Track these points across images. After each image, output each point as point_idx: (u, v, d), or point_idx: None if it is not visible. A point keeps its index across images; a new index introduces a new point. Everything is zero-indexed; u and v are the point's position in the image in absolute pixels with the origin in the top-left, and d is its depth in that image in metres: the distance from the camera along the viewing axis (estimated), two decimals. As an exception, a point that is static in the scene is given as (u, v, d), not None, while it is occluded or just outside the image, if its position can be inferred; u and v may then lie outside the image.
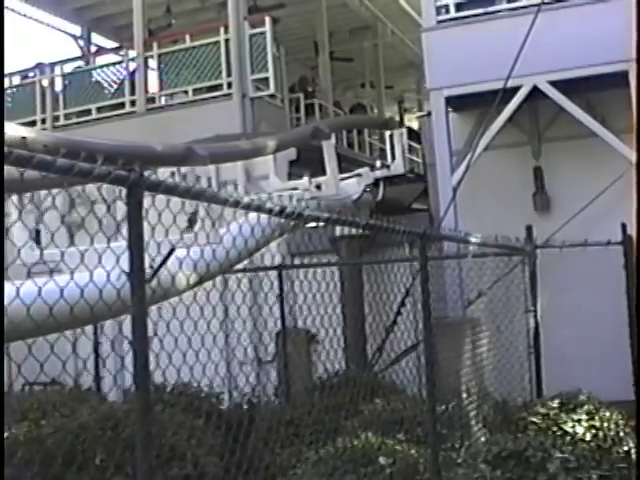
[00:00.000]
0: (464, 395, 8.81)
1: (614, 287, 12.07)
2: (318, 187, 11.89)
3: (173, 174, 6.82)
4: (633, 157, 12.19)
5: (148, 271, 4.34)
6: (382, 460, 7.08)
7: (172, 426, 9.33)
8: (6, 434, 9.44)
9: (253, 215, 6.88)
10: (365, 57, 23.72)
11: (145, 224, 4.37)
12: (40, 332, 5.52)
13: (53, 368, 4.30)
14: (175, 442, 8.97)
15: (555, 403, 9.59)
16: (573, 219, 12.56)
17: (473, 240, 8.77)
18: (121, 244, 4.63)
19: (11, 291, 4.37)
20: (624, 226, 12.29)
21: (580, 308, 12.45)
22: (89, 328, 12.12)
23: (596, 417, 9.22)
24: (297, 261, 14.43)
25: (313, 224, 7.05)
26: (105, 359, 13.40)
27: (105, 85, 18.25)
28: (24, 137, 6.67)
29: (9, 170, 3.47)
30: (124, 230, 4.65)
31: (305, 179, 12.16)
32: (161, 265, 6.23)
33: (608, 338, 12.20)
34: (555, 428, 8.84)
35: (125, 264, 4.44)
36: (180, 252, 6.51)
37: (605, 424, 9.06)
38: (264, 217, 6.67)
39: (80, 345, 6.24)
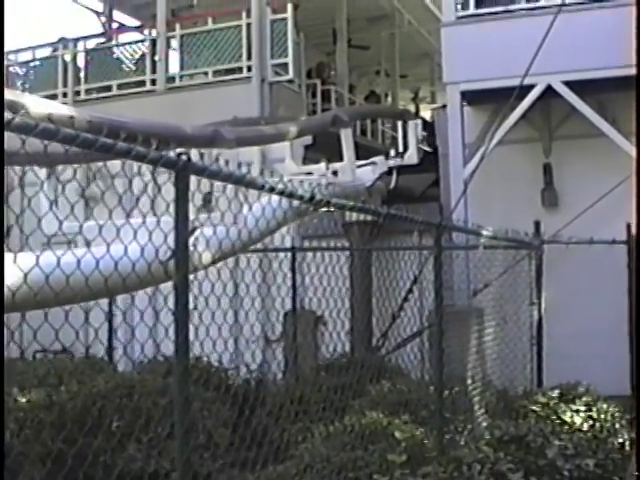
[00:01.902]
0: (468, 381, 9.12)
1: (616, 285, 12.42)
2: (334, 173, 12.18)
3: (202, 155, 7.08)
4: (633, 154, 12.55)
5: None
6: (398, 434, 7.41)
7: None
8: (26, 399, 9.84)
9: (274, 197, 7.15)
10: (381, 46, 23.91)
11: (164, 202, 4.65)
12: (75, 300, 5.81)
13: (65, 337, 4.39)
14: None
15: (555, 393, 9.95)
16: (579, 216, 12.83)
17: (485, 233, 9.08)
18: (147, 220, 4.90)
19: (51, 260, 4.55)
20: (629, 226, 12.61)
21: (582, 303, 12.75)
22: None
23: (594, 409, 9.57)
24: (307, 244, 14.73)
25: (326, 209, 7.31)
26: (116, 330, 13.67)
27: (126, 62, 18.49)
28: (72, 116, 7.00)
29: (35, 143, 3.66)
30: (142, 206, 4.95)
31: (322, 165, 12.43)
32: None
33: (608, 334, 12.52)
34: (554, 417, 9.20)
35: (142, 240, 4.75)
36: (207, 231, 6.86)
37: (602, 416, 9.43)
38: (284, 200, 6.97)
39: (92, 315, 6.43)
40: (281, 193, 5.12)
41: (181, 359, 4.38)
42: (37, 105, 6.90)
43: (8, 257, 4.78)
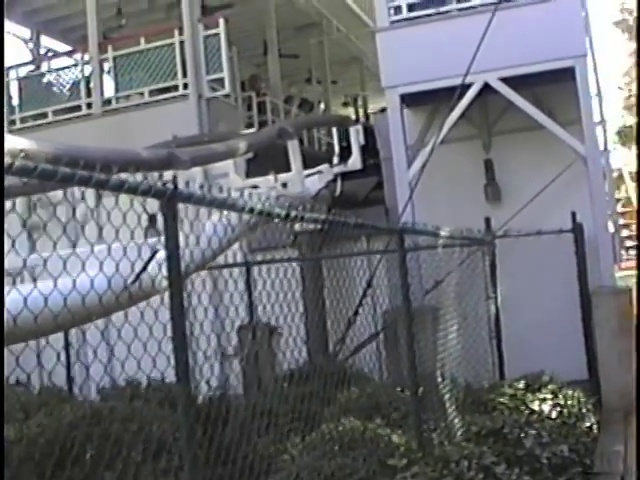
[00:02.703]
0: (435, 379, 9.27)
1: (567, 272, 12.67)
2: (284, 185, 12.29)
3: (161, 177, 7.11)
4: (579, 148, 12.82)
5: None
6: (396, 439, 7.52)
7: (156, 420, 9.71)
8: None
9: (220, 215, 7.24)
10: (311, 53, 24.09)
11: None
12: (44, 332, 5.82)
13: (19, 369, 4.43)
14: (161, 435, 9.33)
15: (521, 384, 10.17)
16: (525, 209, 13.07)
17: (443, 233, 9.25)
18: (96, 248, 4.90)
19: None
20: (574, 214, 12.90)
21: (536, 293, 12.99)
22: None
23: (560, 396, 9.82)
24: (257, 256, 14.78)
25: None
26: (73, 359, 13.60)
27: (60, 88, 18.40)
28: (22, 150, 7.00)
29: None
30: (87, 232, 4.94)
31: (270, 177, 12.54)
32: (144, 267, 6.66)
33: (562, 321, 12.76)
34: (523, 407, 9.41)
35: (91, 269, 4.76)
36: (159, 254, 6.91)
37: (569, 402, 9.66)
38: (234, 216, 7.07)
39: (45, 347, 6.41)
40: (260, 213, 5.21)
41: (183, 387, 4.45)
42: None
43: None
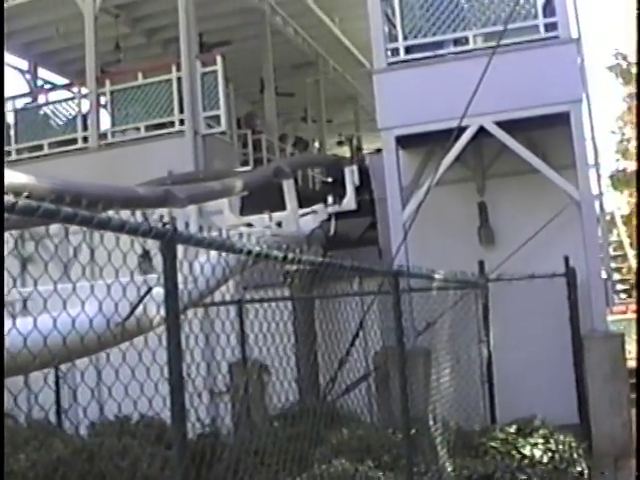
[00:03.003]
0: (427, 422, 9.24)
1: (559, 316, 12.67)
2: (279, 224, 12.32)
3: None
4: (573, 192, 12.88)
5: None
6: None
7: (146, 458, 9.67)
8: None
9: (213, 254, 7.25)
10: (306, 92, 24.24)
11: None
12: (36, 366, 5.79)
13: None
14: (150, 473, 9.29)
15: (512, 428, 10.15)
16: (518, 252, 13.09)
17: (437, 276, 9.27)
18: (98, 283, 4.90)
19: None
20: (567, 258, 12.92)
21: (528, 337, 13.00)
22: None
23: (551, 440, 9.79)
24: (248, 294, 14.76)
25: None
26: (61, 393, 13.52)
27: (57, 121, 18.47)
28: (30, 184, 7.02)
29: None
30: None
31: (265, 215, 12.57)
32: (138, 304, 6.65)
33: (554, 365, 12.77)
34: (514, 452, 9.39)
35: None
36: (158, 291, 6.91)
37: (560, 447, 9.64)
38: (224, 255, 7.09)
39: (33, 379, 6.39)
40: (258, 255, 5.22)
41: (178, 427, 4.43)
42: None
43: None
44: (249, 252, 5.14)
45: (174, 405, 4.45)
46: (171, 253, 4.41)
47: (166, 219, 4.78)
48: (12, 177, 7.25)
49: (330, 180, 15.71)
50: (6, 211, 3.49)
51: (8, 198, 3.50)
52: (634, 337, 16.91)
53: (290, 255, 5.63)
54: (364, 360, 13.11)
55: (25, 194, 3.60)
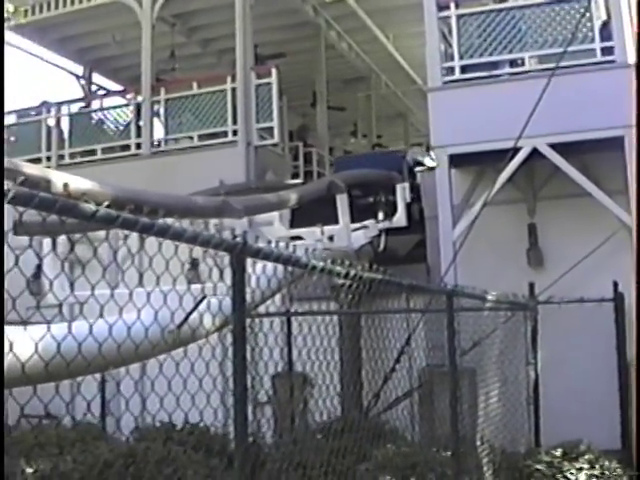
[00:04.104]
0: (476, 442, 9.25)
1: (606, 341, 12.65)
2: (330, 238, 12.38)
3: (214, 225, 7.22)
4: (625, 217, 12.83)
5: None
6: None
7: (191, 465, 9.75)
8: (32, 469, 9.83)
9: (269, 265, 7.29)
10: (357, 106, 24.35)
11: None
12: (88, 370, 5.86)
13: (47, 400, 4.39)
14: (196, 480, 9.37)
15: (558, 452, 10.12)
16: (567, 275, 13.05)
17: (489, 297, 9.30)
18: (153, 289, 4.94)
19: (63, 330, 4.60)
20: (616, 284, 12.89)
21: (574, 360, 12.93)
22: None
23: (596, 466, 9.75)
24: (297, 306, 14.82)
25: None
26: (110, 400, 13.62)
27: (111, 127, 18.69)
28: (83, 193, 7.13)
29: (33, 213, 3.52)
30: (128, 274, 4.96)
31: (316, 229, 12.63)
32: (191, 312, 6.74)
33: (599, 390, 12.71)
34: (559, 475, 9.37)
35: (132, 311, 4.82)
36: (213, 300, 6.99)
37: (606, 472, 9.60)
38: (280, 267, 7.15)
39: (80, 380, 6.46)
40: (322, 270, 5.29)
41: (241, 438, 4.51)
42: (61, 180, 7.05)
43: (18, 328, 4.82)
44: (313, 267, 5.22)
45: (237, 416, 4.52)
46: (241, 266, 4.49)
47: (218, 229, 4.89)
48: (77, 182, 7.40)
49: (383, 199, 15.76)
50: (86, 219, 3.58)
51: (89, 205, 3.58)
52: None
53: (352, 272, 5.69)
54: (409, 377, 13.11)
55: (105, 203, 3.65)
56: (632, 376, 12.34)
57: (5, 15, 16.03)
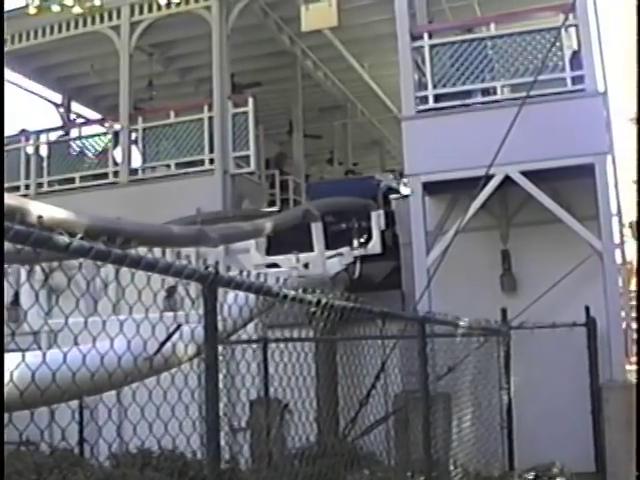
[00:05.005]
0: (450, 466, 9.36)
1: (579, 365, 12.81)
2: (305, 265, 12.51)
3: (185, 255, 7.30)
4: (596, 243, 13.02)
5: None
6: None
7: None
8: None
9: (241, 294, 7.40)
10: (334, 134, 24.53)
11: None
12: (63, 398, 5.94)
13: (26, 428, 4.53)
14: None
15: (531, 475, 10.25)
16: (539, 300, 13.22)
17: (462, 324, 9.45)
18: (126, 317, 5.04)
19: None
20: (587, 309, 13.08)
21: (547, 384, 13.06)
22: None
23: (569, 489, 9.90)
24: (271, 333, 14.90)
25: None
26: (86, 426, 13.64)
27: (89, 155, 18.80)
28: (39, 216, 7.23)
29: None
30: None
31: (291, 256, 12.76)
32: (166, 340, 6.86)
33: (572, 413, 12.85)
34: (532, 499, 9.51)
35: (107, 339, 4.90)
36: (186, 328, 7.11)
37: (577, 496, 9.74)
38: (252, 296, 7.27)
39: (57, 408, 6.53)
40: (293, 299, 5.43)
41: (213, 465, 4.61)
42: (37, 211, 7.16)
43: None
44: (285, 296, 5.36)
45: (210, 442, 4.62)
46: (212, 295, 4.61)
47: (194, 258, 5.01)
48: (53, 212, 7.52)
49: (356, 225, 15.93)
50: (60, 250, 3.70)
51: (62, 238, 3.70)
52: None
53: (323, 300, 5.84)
54: (384, 403, 13.21)
55: (79, 235, 3.76)
56: (603, 399, 12.54)
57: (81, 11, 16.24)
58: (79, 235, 3.76)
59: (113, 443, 9.72)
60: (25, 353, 4.59)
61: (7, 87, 20.85)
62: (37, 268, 9.69)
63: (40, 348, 5.06)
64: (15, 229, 3.34)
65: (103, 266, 4.53)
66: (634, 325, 24.27)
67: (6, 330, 4.55)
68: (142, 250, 4.41)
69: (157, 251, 4.70)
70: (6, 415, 4.38)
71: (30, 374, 4.41)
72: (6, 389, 4.47)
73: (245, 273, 5.17)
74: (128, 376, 6.06)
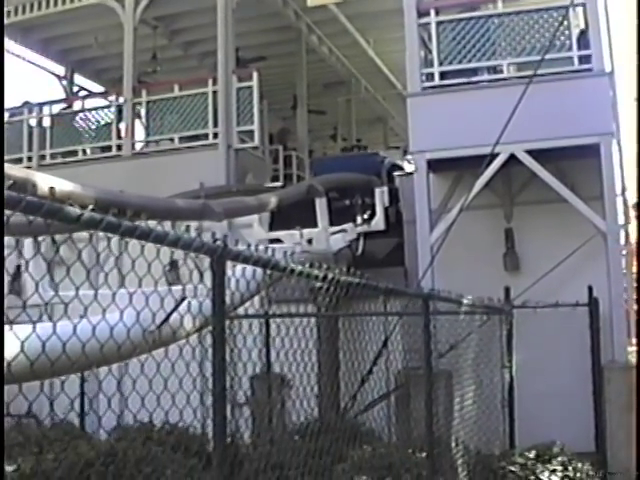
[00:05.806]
0: (451, 443, 9.38)
1: (580, 345, 12.81)
2: (309, 241, 12.48)
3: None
4: (600, 223, 12.99)
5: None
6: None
7: (170, 464, 9.84)
8: (12, 467, 9.90)
9: (248, 268, 7.39)
10: (338, 110, 24.48)
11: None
12: (72, 370, 5.94)
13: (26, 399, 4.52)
14: None
15: (531, 454, 10.27)
16: (542, 279, 13.21)
17: (465, 302, 9.44)
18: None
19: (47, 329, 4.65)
20: (590, 288, 13.06)
21: (549, 364, 13.07)
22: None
23: (569, 468, 9.91)
24: (275, 308, 14.89)
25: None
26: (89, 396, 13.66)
27: (92, 128, 18.74)
28: (52, 187, 7.22)
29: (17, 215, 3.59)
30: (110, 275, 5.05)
31: (295, 232, 12.73)
32: (171, 313, 6.85)
33: (574, 393, 12.86)
34: (532, 477, 9.52)
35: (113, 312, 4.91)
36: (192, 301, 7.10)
37: (578, 474, 9.76)
38: (259, 270, 7.27)
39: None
40: (300, 274, 5.41)
41: (220, 438, 4.61)
42: (46, 183, 7.15)
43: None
44: (292, 270, 5.34)
45: (216, 416, 4.61)
46: (221, 269, 4.59)
47: (198, 232, 4.95)
48: (60, 184, 7.49)
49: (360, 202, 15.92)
50: (71, 222, 3.69)
51: (74, 209, 3.68)
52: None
53: (330, 275, 5.82)
54: (385, 379, 13.22)
55: (90, 206, 3.74)
56: (604, 380, 12.55)
57: None
58: (90, 207, 3.74)
59: (117, 416, 9.80)
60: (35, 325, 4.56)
61: (10, 59, 20.80)
62: (43, 240, 9.66)
63: (49, 320, 5.05)
64: (27, 200, 3.32)
65: (110, 240, 4.52)
66: (635, 307, 24.25)
67: (14, 302, 4.55)
68: (151, 223, 4.39)
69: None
70: (14, 387, 4.38)
71: (40, 345, 4.40)
72: (17, 360, 4.47)
73: (253, 247, 5.16)
74: (134, 349, 6.06)
